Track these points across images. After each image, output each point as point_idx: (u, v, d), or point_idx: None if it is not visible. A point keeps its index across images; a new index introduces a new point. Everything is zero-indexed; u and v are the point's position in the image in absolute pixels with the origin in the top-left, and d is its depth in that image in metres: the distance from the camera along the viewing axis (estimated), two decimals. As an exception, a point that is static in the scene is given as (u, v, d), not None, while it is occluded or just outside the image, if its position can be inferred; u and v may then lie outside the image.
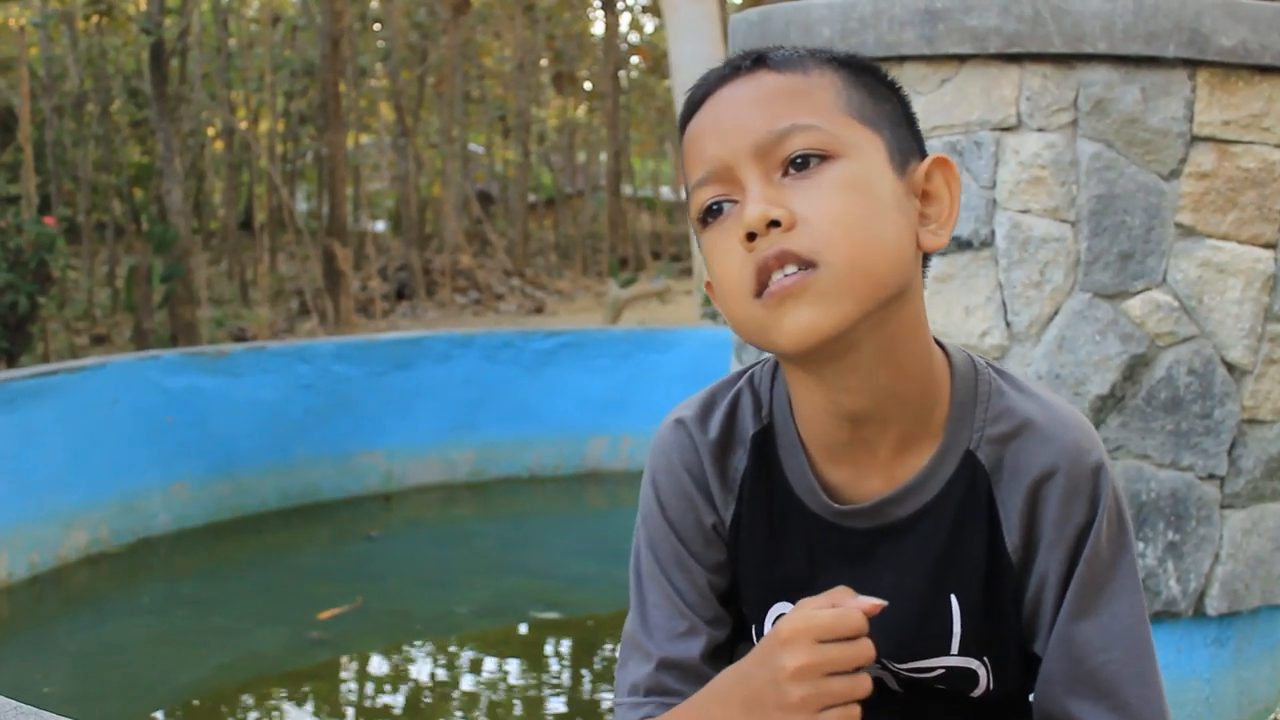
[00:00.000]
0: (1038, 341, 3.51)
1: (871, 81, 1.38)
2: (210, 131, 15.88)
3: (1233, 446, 3.54)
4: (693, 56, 8.12)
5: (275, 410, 5.60)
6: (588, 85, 19.18)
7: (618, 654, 1.50)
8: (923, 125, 3.43)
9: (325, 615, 4.48)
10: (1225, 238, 3.49)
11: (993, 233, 3.52)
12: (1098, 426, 3.48)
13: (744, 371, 1.50)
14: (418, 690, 4.08)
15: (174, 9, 11.34)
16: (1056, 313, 3.51)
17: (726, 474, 1.45)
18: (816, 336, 1.26)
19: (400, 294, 13.82)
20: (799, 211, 1.26)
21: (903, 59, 3.58)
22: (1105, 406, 3.48)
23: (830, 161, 1.29)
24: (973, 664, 1.44)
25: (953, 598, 1.41)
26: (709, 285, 1.40)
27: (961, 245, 3.55)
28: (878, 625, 1.38)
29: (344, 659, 4.29)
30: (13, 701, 1.81)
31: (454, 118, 15.89)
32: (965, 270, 3.55)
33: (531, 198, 19.48)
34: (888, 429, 1.38)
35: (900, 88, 1.43)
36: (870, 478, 1.40)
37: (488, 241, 16.05)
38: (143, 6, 10.66)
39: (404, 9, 15.47)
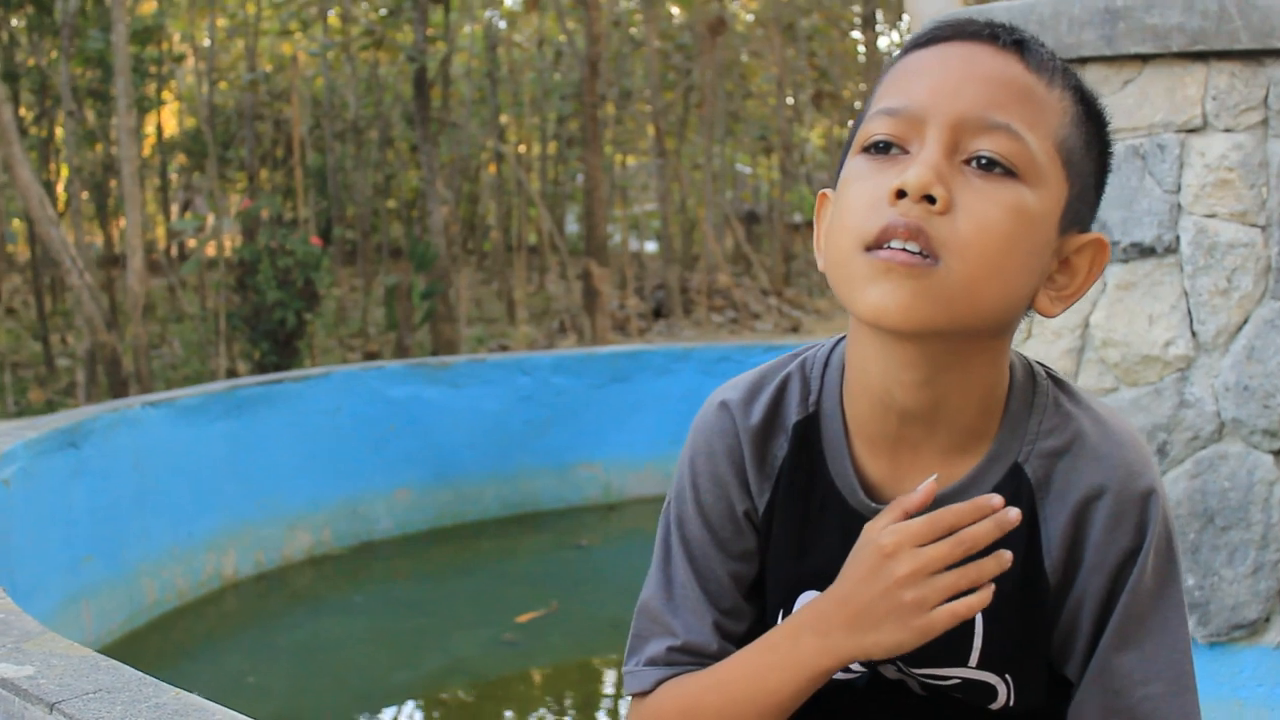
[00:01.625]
0: (1225, 352, 3.36)
1: (1094, 131, 1.31)
2: (484, 155, 16.38)
3: None
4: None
5: (496, 421, 5.75)
6: (855, 104, 19.09)
7: (633, 623, 1.48)
8: (1103, 128, 3.33)
9: (522, 619, 4.60)
10: None
11: (1177, 238, 3.39)
12: (1291, 442, 3.32)
13: (798, 354, 1.47)
14: (596, 691, 4.16)
15: (438, 37, 11.75)
16: (1245, 322, 3.35)
17: (766, 460, 1.42)
18: (895, 323, 1.22)
19: (657, 312, 13.99)
20: (958, 202, 1.21)
21: (1084, 60, 3.49)
22: (1299, 420, 3.31)
23: (1013, 180, 1.23)
24: (991, 678, 1.38)
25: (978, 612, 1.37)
26: (822, 197, 1.35)
27: (1144, 251, 3.43)
28: None
29: (532, 661, 4.38)
30: (172, 688, 1.92)
31: (714, 138, 16.01)
32: (1149, 278, 3.43)
33: (797, 217, 19.47)
34: (935, 432, 1.33)
35: (1111, 152, 1.35)
36: (912, 477, 1.35)
37: (749, 261, 16.12)
38: (410, 36, 11.06)
39: (663, 31, 15.67)
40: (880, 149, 1.25)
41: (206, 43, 13.42)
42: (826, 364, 1.43)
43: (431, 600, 5.07)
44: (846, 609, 1.28)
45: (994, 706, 1.40)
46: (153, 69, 13.56)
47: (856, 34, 17.64)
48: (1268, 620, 3.40)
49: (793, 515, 1.42)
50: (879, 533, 1.27)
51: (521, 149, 18.05)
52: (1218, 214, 3.35)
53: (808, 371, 1.44)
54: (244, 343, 9.99)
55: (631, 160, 19.22)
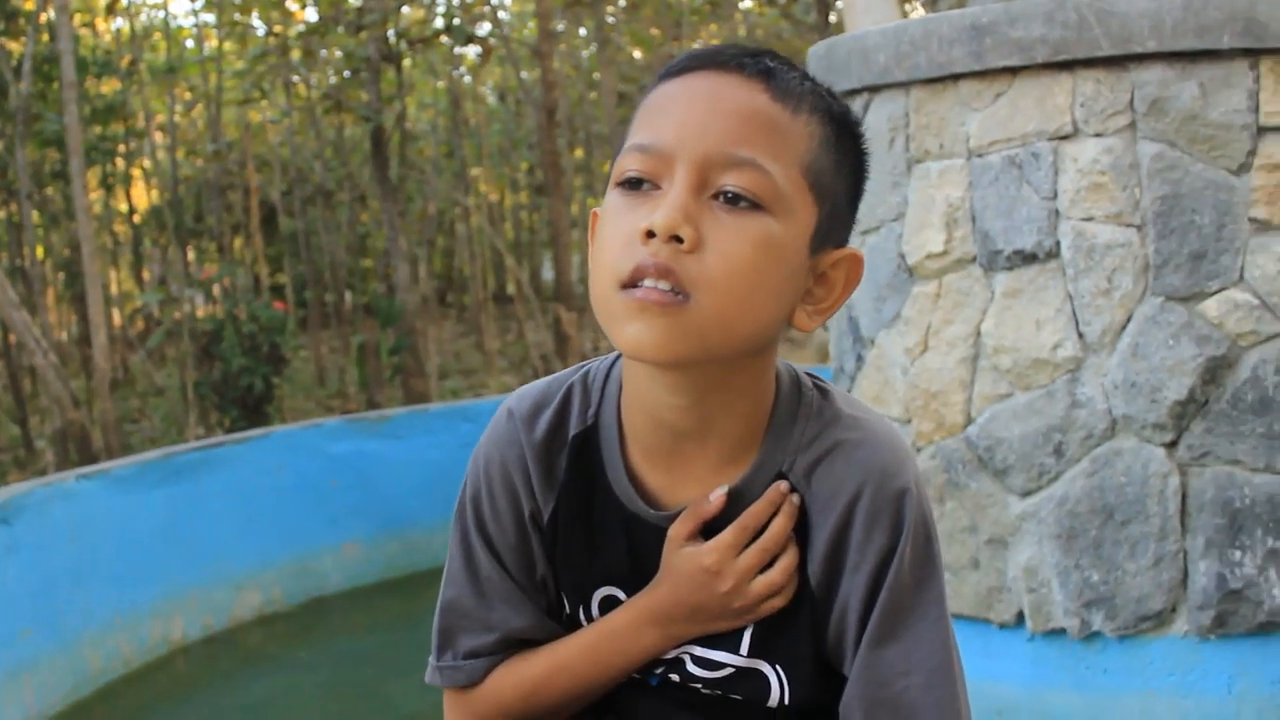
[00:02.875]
0: (1112, 350, 3.42)
1: (847, 148, 1.36)
2: (456, 209, 16.47)
3: (1336, 446, 3.37)
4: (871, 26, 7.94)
5: (440, 469, 5.79)
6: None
7: (439, 621, 1.53)
8: (979, 141, 3.43)
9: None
10: (1307, 229, 3.34)
11: (1057, 243, 3.46)
12: (1180, 433, 3.38)
13: (583, 366, 1.52)
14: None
15: (393, 96, 11.86)
16: (1129, 320, 3.41)
17: (551, 471, 1.47)
18: (653, 359, 1.28)
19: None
20: (706, 239, 1.25)
21: (956, 78, 3.57)
22: (1186, 412, 3.37)
23: (760, 213, 1.26)
24: (763, 667, 1.45)
25: None
26: (594, 217, 1.38)
27: (1027, 258, 3.49)
28: None
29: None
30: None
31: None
32: (1033, 284, 3.50)
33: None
34: (706, 446, 1.40)
35: (867, 168, 1.40)
36: (686, 486, 1.42)
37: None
38: (364, 97, 11.17)
39: (624, 74, 15.78)
40: (633, 185, 1.29)
41: (170, 117, 13.53)
42: (607, 377, 1.49)
43: (383, 652, 5.10)
44: (683, 609, 1.41)
45: (771, 704, 1.45)
46: (121, 147, 13.66)
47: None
48: (1174, 610, 3.45)
49: (578, 521, 1.48)
50: (699, 552, 1.39)
51: (492, 199, 18.15)
52: (1094, 217, 3.42)
53: (589, 383, 1.49)
54: (215, 411, 10.04)
55: (601, 204, 19.30)
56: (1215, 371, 3.35)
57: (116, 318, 14.49)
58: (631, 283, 1.25)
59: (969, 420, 3.61)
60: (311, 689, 4.80)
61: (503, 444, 1.49)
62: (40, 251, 12.91)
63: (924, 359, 3.68)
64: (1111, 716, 3.50)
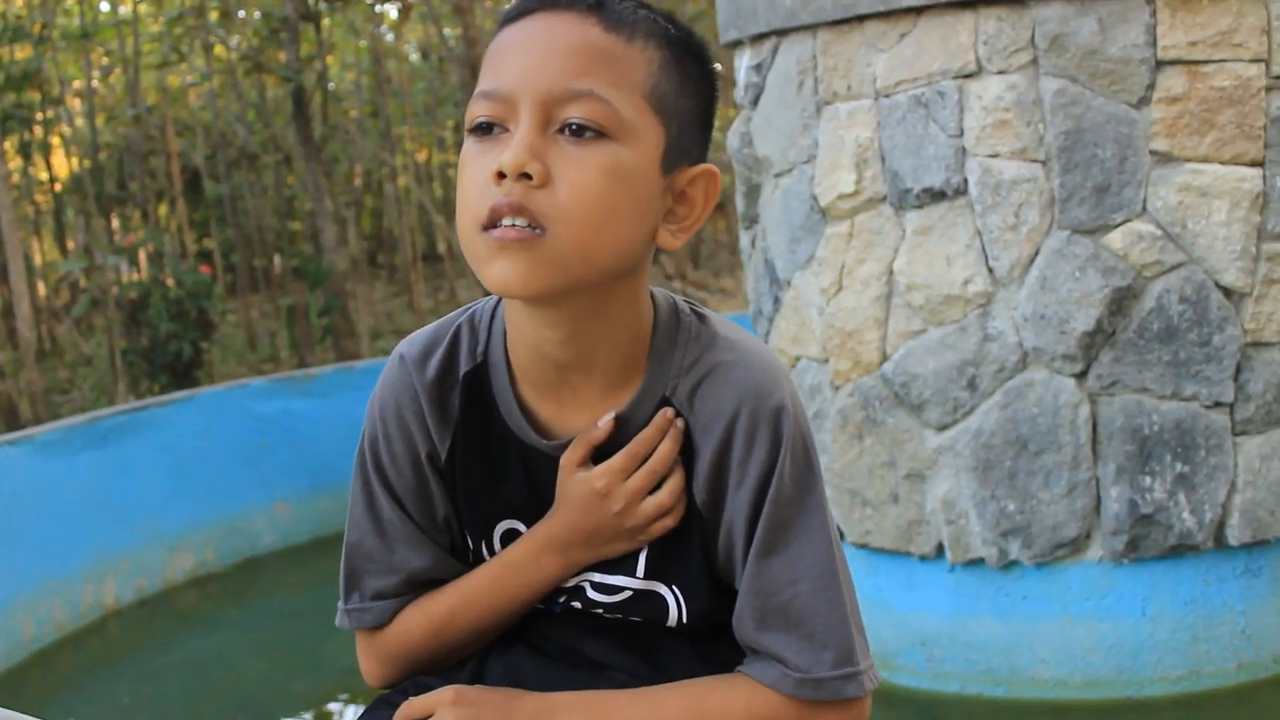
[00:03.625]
0: (1020, 284, 3.49)
1: (692, 70, 1.39)
2: (383, 169, 16.37)
3: (1238, 372, 3.47)
4: None
5: (370, 426, 5.80)
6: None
7: (344, 564, 1.59)
8: (885, 81, 3.47)
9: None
10: (1205, 160, 3.42)
11: (965, 180, 3.52)
12: (1089, 364, 3.45)
13: (470, 306, 1.56)
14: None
15: (314, 56, 11.77)
16: (1036, 254, 3.48)
17: (445, 410, 1.51)
18: (519, 293, 1.33)
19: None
20: (554, 173, 1.29)
21: (861, 19, 3.61)
22: (1094, 343, 3.45)
23: (605, 141, 1.31)
24: (660, 589, 1.50)
25: None
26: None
27: (935, 196, 3.55)
28: None
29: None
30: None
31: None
32: (943, 221, 3.55)
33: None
34: (591, 375, 1.45)
35: (716, 84, 1.44)
36: (576, 415, 1.47)
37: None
38: (284, 58, 11.08)
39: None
40: (484, 130, 1.34)
41: (88, 82, 13.35)
42: (493, 316, 1.53)
43: (317, 609, 5.09)
44: (580, 534, 1.47)
45: (670, 623, 1.50)
46: (39, 115, 13.47)
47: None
48: (1088, 536, 3.54)
49: (475, 457, 1.52)
50: (590, 475, 1.44)
51: (420, 158, 18.05)
52: (1000, 154, 3.48)
53: (476, 323, 1.54)
54: (144, 379, 9.98)
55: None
56: (1121, 302, 3.43)
57: (41, 288, 14.33)
58: (490, 224, 1.30)
59: (884, 358, 3.67)
60: (247, 647, 4.82)
61: (396, 388, 1.53)
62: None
63: (839, 299, 3.74)
64: (1032, 642, 3.59)
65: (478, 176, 1.32)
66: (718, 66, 1.47)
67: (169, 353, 9.46)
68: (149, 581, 5.13)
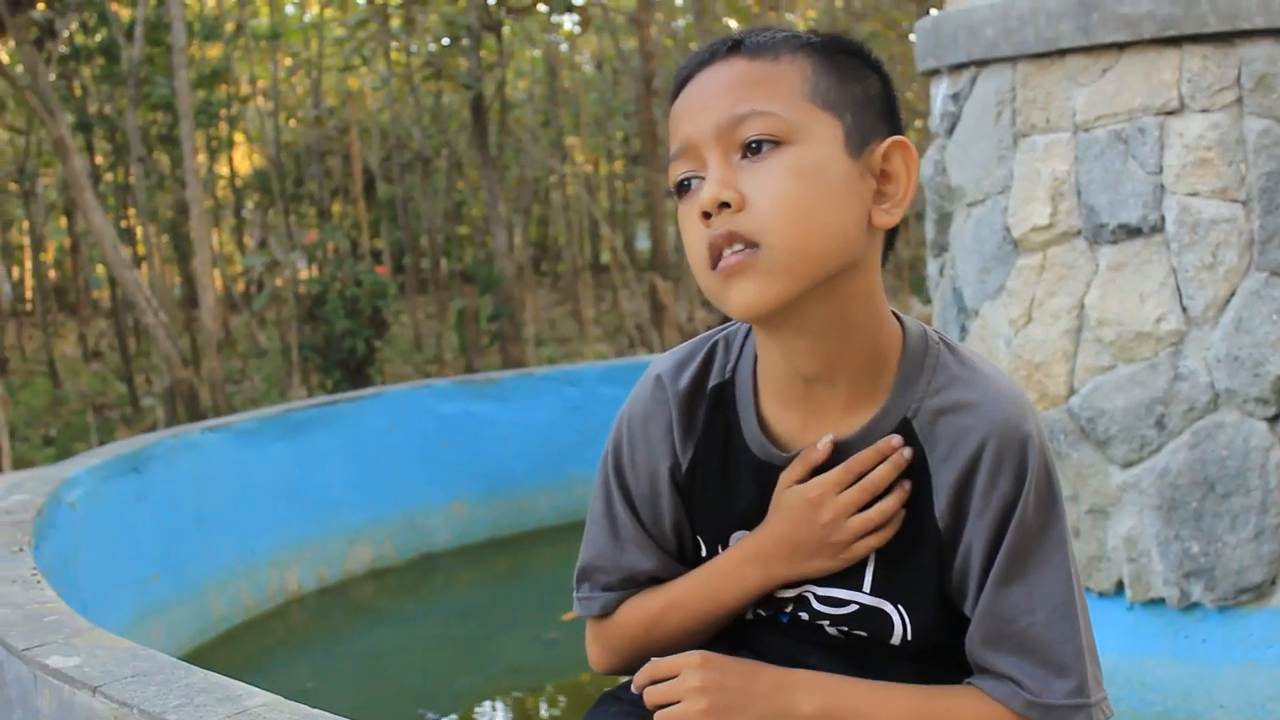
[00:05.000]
0: (1215, 325, 3.48)
1: (847, 63, 1.48)
2: (551, 177, 16.61)
3: None
4: None
5: (546, 432, 5.94)
6: (917, 106, 19.09)
7: (581, 557, 1.69)
8: (1086, 116, 3.50)
9: (567, 617, 4.78)
10: None
11: (1162, 218, 3.52)
12: (1283, 407, 3.42)
13: (724, 327, 1.66)
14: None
15: (494, 64, 11.99)
16: (1232, 295, 3.47)
17: (691, 422, 1.61)
18: (759, 309, 1.42)
19: (726, 322, 14.10)
20: (749, 194, 1.40)
21: (1063, 53, 3.63)
22: (1289, 387, 3.41)
23: (782, 147, 1.41)
24: (885, 606, 1.56)
25: None
26: None
27: (1131, 232, 3.55)
28: None
29: (578, 657, 4.56)
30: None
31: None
32: (1137, 257, 3.56)
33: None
34: (835, 388, 1.53)
35: (881, 67, 1.53)
36: (817, 430, 1.55)
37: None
38: (464, 65, 11.31)
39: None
40: (685, 187, 1.47)
41: (273, 83, 13.77)
42: (746, 336, 1.62)
43: (488, 608, 5.27)
44: (784, 546, 1.54)
45: (894, 641, 1.56)
46: (222, 111, 13.94)
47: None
48: (1273, 583, 3.50)
49: (713, 469, 1.61)
50: (804, 486, 1.53)
51: (588, 169, 18.28)
52: (1199, 192, 3.47)
53: (730, 341, 1.64)
54: (318, 373, 10.28)
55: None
56: (1318, 347, 3.40)
57: (219, 280, 14.77)
58: (714, 261, 1.42)
59: (1071, 391, 3.68)
60: (419, 641, 4.97)
61: (646, 401, 1.64)
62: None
63: (1028, 330, 3.75)
64: (1210, 686, 3.56)
65: (690, 227, 1.45)
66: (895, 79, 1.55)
67: (343, 349, 9.72)
68: (330, 571, 5.32)
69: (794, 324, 1.47)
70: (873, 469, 1.50)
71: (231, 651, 4.72)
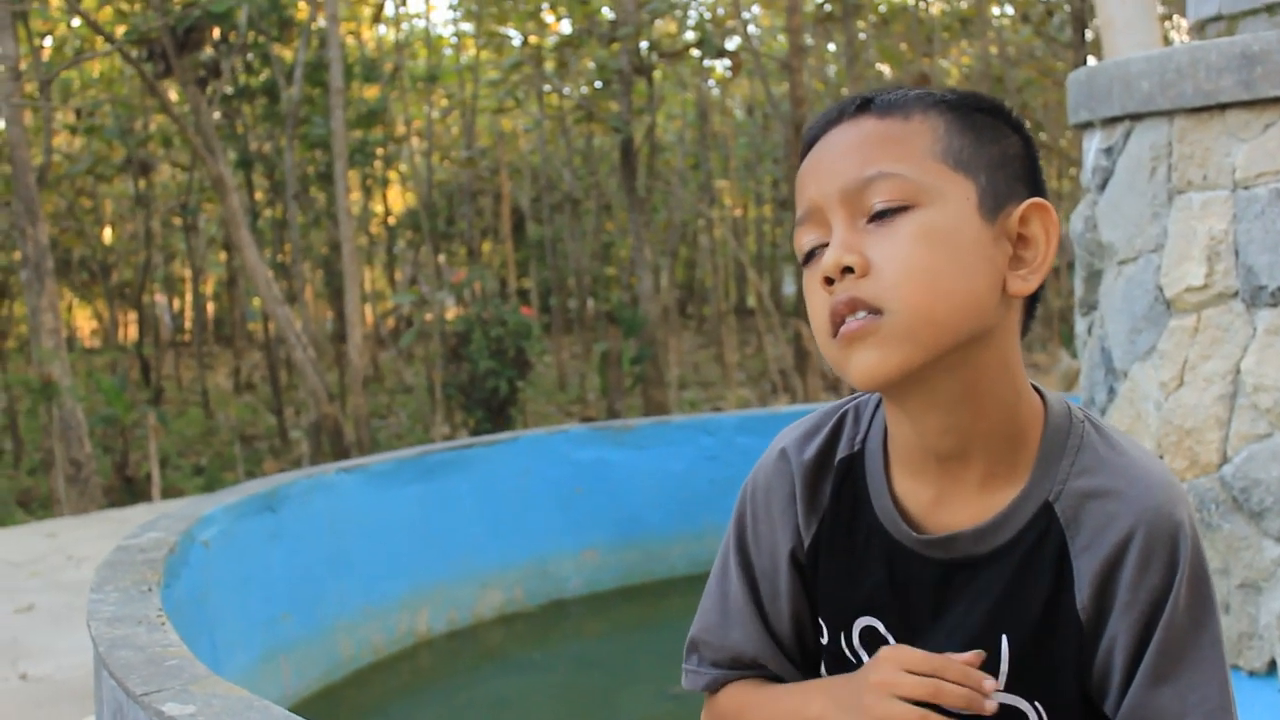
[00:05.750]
0: (1380, 395, 3.30)
1: (984, 122, 1.40)
2: (699, 221, 16.64)
3: None
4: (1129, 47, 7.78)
5: (681, 480, 5.88)
6: (1071, 154, 18.78)
7: (693, 627, 1.61)
8: (1245, 173, 3.37)
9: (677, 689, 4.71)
10: None
11: (1325, 281, 3.35)
12: None
13: (854, 398, 1.57)
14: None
15: (644, 108, 12.04)
16: (1399, 363, 3.29)
17: (817, 497, 1.52)
18: (881, 377, 1.33)
19: (854, 393, 13.93)
20: (874, 259, 1.32)
21: (1223, 107, 3.49)
22: None
23: (910, 211, 1.33)
24: (1021, 704, 1.45)
25: (1004, 638, 1.44)
26: None
27: (1294, 296, 3.40)
28: (935, 652, 1.47)
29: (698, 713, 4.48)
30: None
31: (927, 194, 15.94)
32: (1300, 322, 3.39)
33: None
34: (970, 465, 1.42)
35: (1022, 126, 1.44)
36: (953, 510, 1.45)
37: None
38: (615, 108, 11.37)
39: (871, 90, 15.71)
40: (811, 255, 1.39)
41: (428, 123, 13.97)
42: (878, 406, 1.54)
43: (616, 658, 5.21)
44: (842, 691, 1.46)
45: None
46: (379, 151, 14.17)
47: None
48: None
49: (839, 548, 1.52)
50: (886, 649, 1.44)
51: (736, 213, 18.27)
52: (1366, 255, 3.31)
53: (860, 412, 1.54)
54: (460, 411, 10.36)
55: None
56: None
57: (369, 315, 15.00)
58: (836, 329, 1.33)
59: (1224, 459, 3.52)
60: (546, 691, 4.92)
61: (770, 473, 1.56)
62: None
63: (1179, 394, 3.61)
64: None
65: (815, 294, 1.36)
66: (1030, 127, 1.45)
67: (486, 389, 9.78)
68: (459, 614, 5.31)
69: (921, 395, 1.38)
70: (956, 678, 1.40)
71: (358, 693, 4.72)
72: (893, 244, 1.33)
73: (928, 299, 1.32)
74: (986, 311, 1.36)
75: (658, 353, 11.23)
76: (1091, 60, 14.24)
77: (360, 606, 4.90)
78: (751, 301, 18.18)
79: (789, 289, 19.91)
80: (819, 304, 1.36)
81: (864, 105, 1.39)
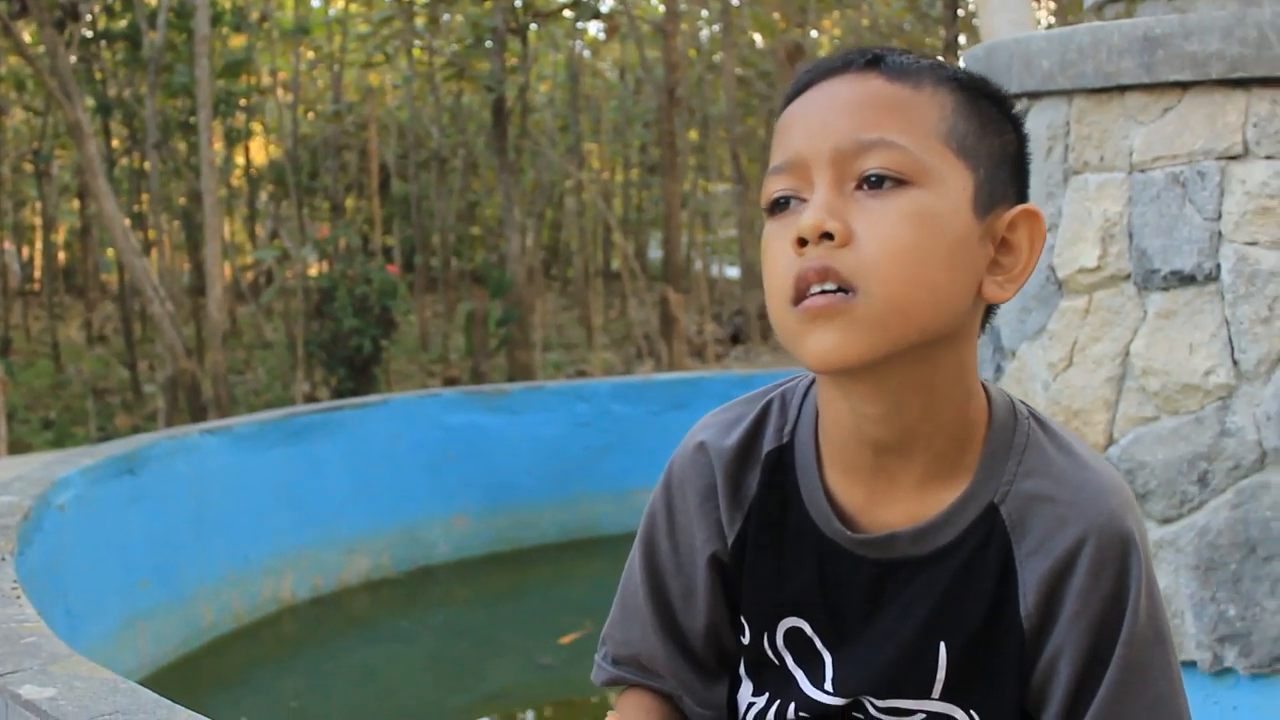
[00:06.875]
0: (1267, 381, 3.32)
1: (990, 111, 1.31)
2: (566, 182, 16.49)
3: None
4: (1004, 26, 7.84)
5: (554, 447, 5.79)
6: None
7: (608, 621, 1.56)
8: (1142, 156, 3.34)
9: (565, 640, 4.65)
10: None
11: (1218, 266, 3.36)
12: (1333, 472, 3.27)
13: (782, 383, 1.48)
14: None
15: (517, 67, 11.87)
16: (1287, 350, 3.30)
17: (740, 491, 1.43)
18: (838, 362, 1.23)
19: (735, 338, 13.99)
20: (857, 230, 1.22)
21: (1123, 89, 3.47)
22: (1341, 450, 3.26)
23: (906, 187, 1.23)
24: (956, 712, 1.37)
25: (941, 644, 1.35)
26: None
27: (1185, 280, 3.39)
28: (865, 658, 1.38)
29: (573, 684, 4.44)
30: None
31: (795, 164, 16.01)
32: (1189, 306, 3.40)
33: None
34: (910, 462, 1.34)
35: (1021, 124, 1.35)
36: (888, 508, 1.36)
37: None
38: (487, 67, 11.18)
39: (744, 58, 15.72)
40: (781, 205, 1.28)
41: (295, 76, 13.64)
42: (805, 395, 1.44)
43: (484, 625, 5.12)
44: None
45: None
46: (242, 101, 13.79)
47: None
48: (1312, 654, 3.34)
49: (767, 545, 1.43)
50: None
51: (604, 176, 18.16)
52: (1259, 241, 3.32)
53: (787, 400, 1.45)
54: (322, 369, 10.14)
55: (714, 187, 19.24)
56: (1375, 410, 3.24)
57: (227, 270, 14.62)
58: (799, 296, 1.23)
59: (1111, 441, 3.52)
60: (412, 659, 4.81)
61: (687, 466, 1.47)
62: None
63: (1067, 375, 3.59)
64: (1239, 755, 3.41)
65: (780, 252, 1.26)
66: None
67: (350, 347, 9.58)
68: (325, 581, 5.17)
69: (871, 385, 1.28)
70: None
71: (219, 661, 4.57)
72: (881, 219, 1.22)
73: (906, 287, 1.22)
74: (959, 312, 1.27)
75: (524, 315, 11.10)
76: (963, 39, 14.37)
77: (223, 572, 4.74)
78: (617, 265, 18.11)
79: (655, 253, 19.88)
80: (784, 264, 1.25)
81: (874, 62, 1.28)
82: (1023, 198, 1.33)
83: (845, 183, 1.24)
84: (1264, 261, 3.30)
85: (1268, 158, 3.30)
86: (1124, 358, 3.50)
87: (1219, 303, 3.36)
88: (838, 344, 1.22)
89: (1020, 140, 1.35)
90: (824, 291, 1.22)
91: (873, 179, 1.23)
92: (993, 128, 1.31)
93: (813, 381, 1.44)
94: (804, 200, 1.26)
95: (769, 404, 1.45)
